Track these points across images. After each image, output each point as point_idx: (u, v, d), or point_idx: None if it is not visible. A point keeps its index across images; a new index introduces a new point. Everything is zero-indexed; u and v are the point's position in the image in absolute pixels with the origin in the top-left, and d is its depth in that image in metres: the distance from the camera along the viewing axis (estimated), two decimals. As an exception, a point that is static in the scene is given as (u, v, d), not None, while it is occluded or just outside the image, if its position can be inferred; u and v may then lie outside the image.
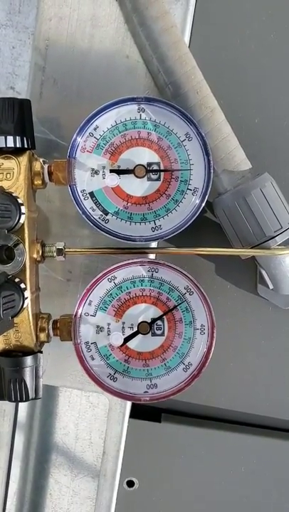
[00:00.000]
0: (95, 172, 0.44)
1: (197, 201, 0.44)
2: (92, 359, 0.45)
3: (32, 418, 0.56)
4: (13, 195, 0.41)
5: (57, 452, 0.55)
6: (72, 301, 0.47)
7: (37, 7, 0.49)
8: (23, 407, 0.55)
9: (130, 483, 0.55)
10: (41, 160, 0.43)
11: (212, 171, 0.43)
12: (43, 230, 0.50)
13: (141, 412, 0.54)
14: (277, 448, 0.54)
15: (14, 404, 0.54)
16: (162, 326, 0.45)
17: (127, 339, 0.45)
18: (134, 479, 0.55)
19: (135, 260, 0.45)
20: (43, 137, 0.49)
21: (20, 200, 0.41)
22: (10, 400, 0.42)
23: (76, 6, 0.48)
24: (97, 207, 0.44)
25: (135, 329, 0.45)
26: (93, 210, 0.44)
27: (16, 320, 0.41)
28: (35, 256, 0.43)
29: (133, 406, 0.53)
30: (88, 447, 0.54)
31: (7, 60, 0.51)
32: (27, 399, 0.42)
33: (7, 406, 0.53)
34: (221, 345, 0.50)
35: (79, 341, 0.45)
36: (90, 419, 0.54)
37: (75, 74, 0.49)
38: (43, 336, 0.44)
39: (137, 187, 0.44)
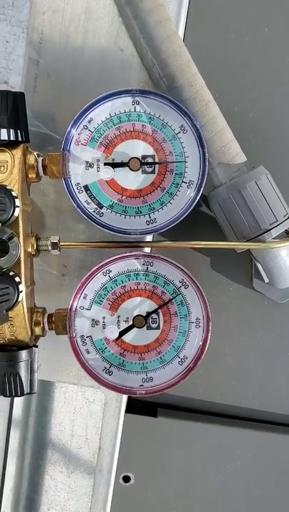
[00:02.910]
0: (89, 165, 0.44)
1: (192, 194, 0.44)
2: (88, 353, 0.45)
3: (27, 414, 0.55)
4: (7, 188, 0.40)
5: (53, 449, 0.55)
6: (67, 295, 0.46)
7: (30, 1, 0.49)
8: (18, 403, 0.55)
9: (126, 479, 0.55)
10: (35, 153, 0.43)
11: (207, 163, 0.43)
12: (38, 223, 0.50)
13: (137, 406, 0.54)
14: (273, 442, 0.54)
15: (9, 401, 0.54)
16: (157, 320, 0.45)
17: (122, 333, 0.45)
18: (130, 474, 0.55)
19: (130, 254, 0.45)
20: (37, 131, 0.48)
21: (14, 193, 0.41)
22: (4, 395, 0.41)
23: (70, -1, 0.48)
24: (92, 200, 0.44)
25: (130, 323, 0.45)
26: (88, 203, 0.44)
27: (10, 314, 0.41)
28: (29, 250, 0.43)
29: (129, 401, 0.53)
30: (84, 443, 0.54)
31: (1, 54, 0.51)
32: (22, 393, 0.42)
33: (2, 403, 0.53)
34: (217, 339, 0.50)
35: (74, 335, 0.44)
36: (85, 416, 0.54)
37: (69, 67, 0.48)
38: (38, 330, 0.44)
39: (132, 180, 0.44)
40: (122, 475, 0.55)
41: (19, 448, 0.56)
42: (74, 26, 0.48)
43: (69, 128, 0.43)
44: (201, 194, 0.44)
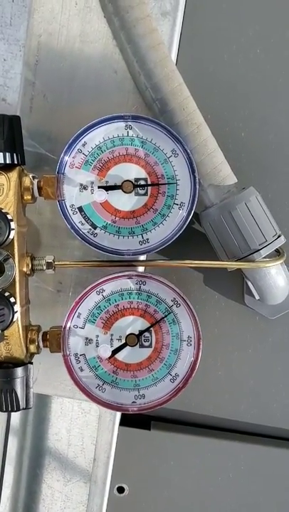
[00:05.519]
0: (83, 187, 0.45)
1: (184, 215, 0.45)
2: (81, 370, 0.46)
3: (25, 424, 0.56)
4: (3, 211, 0.41)
5: (50, 458, 0.56)
6: (62, 311, 0.47)
7: (27, 21, 0.50)
8: (16, 413, 0.56)
9: (120, 490, 0.56)
10: (31, 175, 0.44)
11: (198, 186, 0.44)
12: (34, 241, 0.50)
13: (131, 419, 0.55)
14: (264, 454, 0.55)
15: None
16: (150, 338, 0.46)
17: (115, 351, 0.45)
18: (124, 485, 0.56)
19: (123, 273, 0.45)
20: (33, 151, 0.49)
21: (9, 216, 0.41)
22: (1, 410, 0.42)
23: (65, 22, 0.49)
24: (86, 221, 0.45)
25: (123, 341, 0.46)
26: (82, 224, 0.45)
27: (6, 333, 0.42)
28: (24, 270, 0.44)
29: (123, 414, 0.53)
30: (80, 453, 0.55)
31: (-2, 72, 0.52)
32: (18, 409, 0.42)
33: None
34: (209, 354, 0.51)
35: (68, 353, 0.45)
36: (81, 426, 0.54)
37: (64, 89, 0.49)
38: (33, 348, 0.44)
39: (125, 202, 0.45)
40: (117, 486, 0.56)
41: (17, 457, 0.56)
42: (69, 49, 0.49)
43: (62, 154, 0.44)
44: (194, 212, 0.45)
